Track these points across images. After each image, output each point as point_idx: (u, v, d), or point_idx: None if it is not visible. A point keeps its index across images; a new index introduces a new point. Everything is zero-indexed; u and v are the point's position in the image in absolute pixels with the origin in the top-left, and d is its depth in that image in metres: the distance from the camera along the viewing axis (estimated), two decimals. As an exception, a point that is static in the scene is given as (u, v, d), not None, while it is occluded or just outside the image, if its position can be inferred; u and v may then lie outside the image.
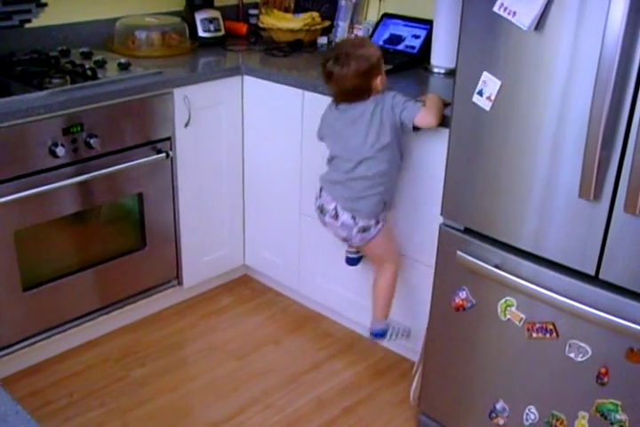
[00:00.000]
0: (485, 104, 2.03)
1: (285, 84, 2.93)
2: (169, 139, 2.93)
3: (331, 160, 2.59)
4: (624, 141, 1.79)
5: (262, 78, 3.02)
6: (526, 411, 2.23)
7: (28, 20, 3.07)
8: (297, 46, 3.35)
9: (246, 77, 3.08)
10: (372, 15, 3.36)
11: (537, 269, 2.06)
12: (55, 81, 2.68)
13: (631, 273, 1.88)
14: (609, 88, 1.73)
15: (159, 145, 2.90)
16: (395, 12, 3.23)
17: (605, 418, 2.02)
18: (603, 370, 1.99)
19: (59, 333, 2.88)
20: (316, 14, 3.43)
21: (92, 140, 2.65)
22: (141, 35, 3.21)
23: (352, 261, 2.88)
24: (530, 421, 2.22)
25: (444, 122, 2.40)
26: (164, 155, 2.88)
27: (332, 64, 2.41)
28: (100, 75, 2.79)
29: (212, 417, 2.68)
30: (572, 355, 2.05)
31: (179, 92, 2.89)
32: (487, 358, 2.30)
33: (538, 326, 2.10)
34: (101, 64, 2.90)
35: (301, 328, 3.22)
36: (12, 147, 2.48)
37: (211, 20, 3.38)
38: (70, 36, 3.20)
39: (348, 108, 2.48)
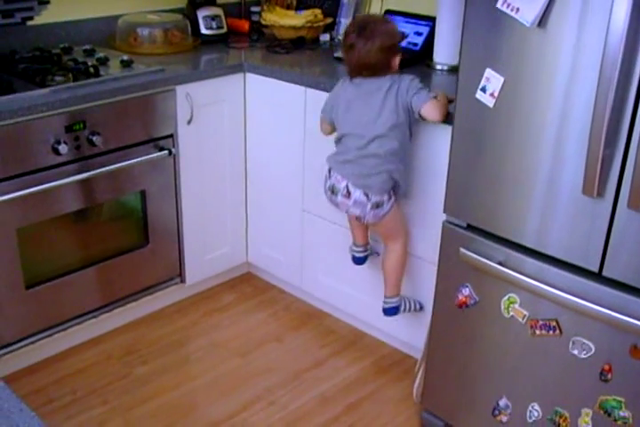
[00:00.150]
0: (488, 101, 2.03)
1: (288, 81, 2.93)
2: (171, 136, 2.93)
3: (339, 139, 2.56)
4: (627, 138, 1.78)
5: (265, 75, 3.01)
6: (529, 408, 2.22)
7: (31, 18, 3.07)
8: (299, 43, 3.34)
9: (249, 75, 3.08)
10: (375, 12, 3.35)
11: (540, 266, 2.06)
12: (57, 78, 2.67)
13: (635, 270, 1.88)
14: (612, 84, 1.73)
15: (162, 142, 2.90)
16: (397, 9, 3.23)
17: (609, 415, 2.02)
18: (606, 367, 1.99)
19: (61, 330, 2.88)
20: (318, 11, 3.43)
21: (94, 138, 2.65)
22: (144, 32, 3.21)
23: (359, 260, 2.87)
24: (533, 418, 2.22)
25: (447, 119, 2.39)
26: (166, 152, 2.88)
27: (355, 36, 2.40)
28: (102, 72, 2.79)
29: (214, 415, 2.68)
30: (575, 352, 2.04)
31: (181, 90, 2.89)
32: (490, 356, 2.30)
33: (541, 323, 2.09)
34: (104, 61, 2.90)
35: (304, 325, 3.22)
36: (14, 144, 2.48)
37: (213, 18, 3.38)
38: (72, 34, 3.20)
39: (363, 82, 2.46)
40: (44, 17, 3.10)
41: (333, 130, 2.63)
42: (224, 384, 2.83)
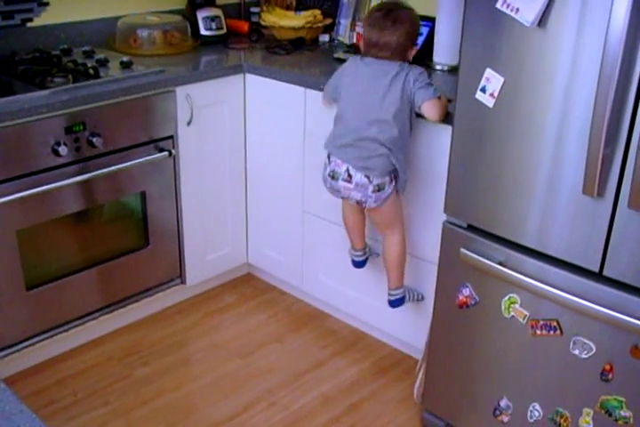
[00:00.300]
0: (488, 101, 2.03)
1: (287, 81, 2.93)
2: (171, 137, 2.93)
3: (339, 118, 2.54)
4: (627, 137, 1.79)
5: (264, 76, 3.01)
6: (530, 408, 2.22)
7: (30, 19, 3.07)
8: (299, 44, 3.34)
9: (248, 75, 3.08)
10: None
11: (541, 266, 2.06)
12: (57, 80, 2.67)
13: (635, 269, 1.88)
14: (612, 84, 1.73)
15: (162, 143, 2.90)
16: (397, 10, 3.22)
17: (610, 415, 2.02)
18: (607, 367, 1.99)
19: (62, 332, 2.88)
20: (317, 12, 3.43)
21: (94, 139, 2.65)
22: (143, 33, 3.21)
23: (359, 264, 2.87)
24: (534, 418, 2.22)
25: (446, 119, 2.39)
26: (166, 153, 2.88)
27: (381, 15, 2.41)
28: (102, 73, 2.79)
29: (215, 416, 2.68)
30: (576, 352, 2.04)
31: (181, 91, 2.89)
32: (491, 356, 2.29)
33: (542, 323, 2.09)
34: (103, 63, 2.90)
35: (305, 326, 3.22)
36: (14, 146, 2.48)
37: (212, 19, 3.38)
38: (72, 35, 3.20)
39: (373, 62, 2.45)
40: (43, 18, 3.10)
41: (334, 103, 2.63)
42: (225, 385, 2.83)
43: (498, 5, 1.90)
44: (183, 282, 3.26)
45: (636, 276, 1.89)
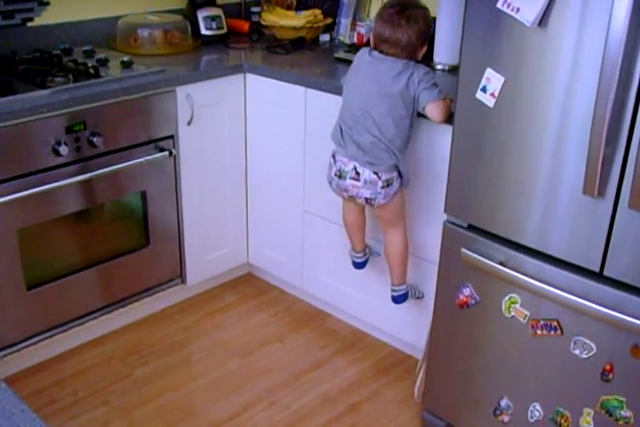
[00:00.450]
0: (489, 101, 2.03)
1: (288, 81, 2.93)
2: (172, 137, 2.93)
3: (342, 109, 2.53)
4: (628, 137, 1.78)
5: (265, 76, 3.01)
6: (531, 408, 2.22)
7: (31, 19, 3.07)
8: (299, 44, 3.34)
9: (249, 75, 3.08)
10: (375, 12, 3.34)
11: (541, 266, 2.06)
12: (58, 79, 2.67)
13: (636, 269, 1.88)
14: (613, 84, 1.73)
15: (162, 143, 2.90)
16: (397, 9, 3.22)
17: (610, 415, 2.02)
18: (607, 367, 1.99)
19: (62, 331, 2.89)
20: (318, 11, 3.43)
21: (94, 139, 2.65)
22: (144, 33, 3.21)
23: (359, 265, 2.87)
24: (534, 418, 2.22)
25: (449, 120, 2.39)
26: (166, 153, 2.88)
27: (395, 12, 2.39)
28: (102, 73, 2.79)
29: (216, 415, 2.68)
30: (576, 352, 2.04)
31: (181, 91, 2.89)
32: (491, 356, 2.29)
33: (542, 323, 2.09)
34: (104, 62, 2.90)
35: (305, 326, 3.22)
36: (15, 146, 2.48)
37: (213, 18, 3.38)
38: (73, 35, 3.20)
39: (381, 58, 2.43)
40: (44, 18, 3.10)
41: None
42: (225, 385, 2.83)
43: (498, 5, 1.90)
44: (183, 282, 3.26)
45: (637, 276, 1.89)
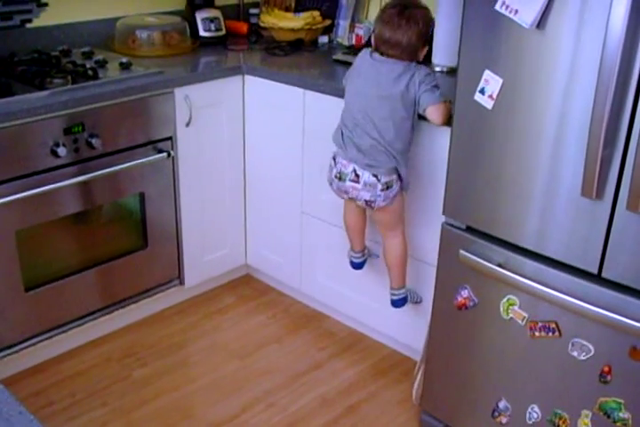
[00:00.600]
0: (487, 102, 2.03)
1: (286, 83, 2.93)
2: (170, 138, 2.93)
3: (343, 111, 2.53)
4: (626, 139, 1.79)
5: (263, 77, 3.01)
6: (529, 410, 2.22)
7: (29, 20, 3.07)
8: (298, 45, 3.34)
9: (247, 77, 3.08)
10: (374, 14, 3.35)
11: (539, 268, 2.06)
12: (56, 81, 2.67)
13: (634, 271, 1.88)
14: (611, 86, 1.73)
15: (160, 145, 2.90)
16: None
17: (608, 416, 2.02)
18: (606, 368, 1.99)
19: (61, 333, 2.88)
20: (316, 13, 3.43)
21: (93, 140, 2.65)
22: (142, 34, 3.21)
23: (357, 266, 2.87)
24: (533, 419, 2.22)
25: (449, 122, 2.40)
26: (165, 154, 2.88)
27: (395, 13, 2.37)
28: (101, 74, 2.79)
29: (214, 417, 2.68)
30: (574, 353, 2.04)
31: (180, 92, 2.89)
32: (490, 357, 2.29)
33: (540, 324, 2.10)
34: (102, 64, 2.90)
35: (303, 327, 3.22)
36: (13, 147, 2.48)
37: (211, 20, 3.38)
38: (71, 36, 3.20)
39: (382, 60, 2.42)
40: (42, 19, 3.10)
41: None
42: (223, 386, 2.83)
43: (497, 7, 1.90)
44: (182, 283, 3.25)
45: (635, 278, 1.89)
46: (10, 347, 2.74)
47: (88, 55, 3.03)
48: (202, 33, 3.37)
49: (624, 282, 1.91)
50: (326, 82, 2.79)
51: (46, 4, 3.08)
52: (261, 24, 3.47)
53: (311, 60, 3.22)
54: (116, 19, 3.26)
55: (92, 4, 3.26)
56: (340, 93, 2.60)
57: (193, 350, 3.05)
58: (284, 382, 2.87)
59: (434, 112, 2.39)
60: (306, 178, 3.02)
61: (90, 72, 2.79)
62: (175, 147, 2.95)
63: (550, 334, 2.08)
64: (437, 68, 2.94)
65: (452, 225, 2.29)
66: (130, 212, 3.00)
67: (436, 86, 2.40)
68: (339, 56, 3.11)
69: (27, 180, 2.55)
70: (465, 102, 2.09)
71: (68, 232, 2.80)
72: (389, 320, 2.94)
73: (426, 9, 2.44)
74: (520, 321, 2.14)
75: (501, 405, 2.30)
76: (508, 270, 2.11)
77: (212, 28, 3.38)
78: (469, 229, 2.24)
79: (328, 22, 3.44)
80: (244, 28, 3.57)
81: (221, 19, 3.42)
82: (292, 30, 3.36)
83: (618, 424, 2.01)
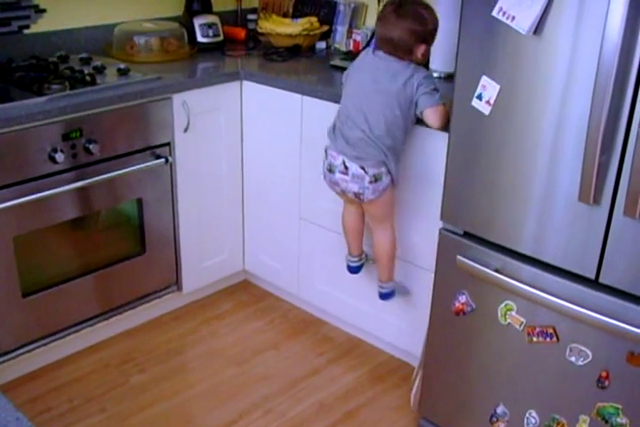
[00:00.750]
0: (485, 108, 2.03)
1: (284, 88, 2.93)
2: (168, 144, 2.93)
3: (340, 108, 2.55)
4: (623, 145, 1.79)
5: (261, 83, 3.02)
6: (527, 415, 2.22)
7: (27, 26, 3.07)
8: (295, 51, 3.35)
9: (245, 82, 3.09)
10: (371, 20, 3.36)
11: (537, 273, 2.07)
12: (54, 87, 2.67)
13: (631, 277, 1.89)
14: (608, 92, 1.73)
15: (158, 150, 2.90)
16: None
17: (606, 422, 2.02)
18: (603, 374, 1.99)
19: (58, 339, 2.88)
20: (314, 19, 3.44)
21: (91, 146, 2.65)
22: (140, 40, 3.21)
23: (354, 270, 2.87)
24: (531, 425, 2.22)
25: (446, 127, 2.41)
26: (163, 160, 2.88)
27: (391, 10, 2.39)
28: (99, 80, 2.79)
29: (212, 423, 2.67)
30: (572, 359, 2.04)
31: (178, 98, 2.89)
32: (487, 363, 2.29)
33: (538, 329, 2.10)
34: (100, 70, 2.90)
35: (301, 333, 3.21)
36: (11, 153, 2.48)
37: (209, 26, 3.38)
38: (69, 42, 3.20)
39: (382, 57, 2.44)
40: (40, 25, 3.10)
41: None
42: (221, 392, 2.83)
43: (494, 13, 1.91)
44: (180, 289, 3.25)
45: (632, 283, 1.89)
46: (7, 353, 2.74)
47: (86, 61, 3.03)
48: (200, 39, 3.38)
49: (621, 287, 1.92)
50: (324, 88, 2.80)
51: (44, 11, 3.08)
52: (259, 30, 3.47)
53: (309, 65, 3.23)
54: (114, 25, 3.27)
55: (90, 10, 3.26)
56: (337, 99, 2.60)
57: (191, 355, 3.05)
58: (281, 387, 2.86)
59: (431, 115, 2.40)
60: (304, 184, 3.02)
61: (88, 78, 2.79)
62: (173, 153, 2.96)
63: (548, 339, 2.08)
64: (435, 74, 2.94)
65: (449, 230, 2.29)
66: (128, 217, 3.00)
67: (436, 89, 2.41)
68: (336, 62, 3.11)
69: (24, 186, 2.55)
70: (462, 108, 2.10)
71: (66, 238, 2.80)
72: (387, 326, 2.94)
73: (425, 7, 2.42)
74: (518, 326, 2.15)
75: (499, 410, 2.30)
76: (506, 276, 2.11)
77: (210, 33, 3.39)
78: (467, 235, 2.24)
79: (326, 28, 3.45)
80: (241, 33, 3.58)
81: (219, 24, 3.42)
82: (290, 36, 3.37)
83: (616, 430, 2.01)
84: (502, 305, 2.17)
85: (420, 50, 2.43)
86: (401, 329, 2.89)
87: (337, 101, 2.61)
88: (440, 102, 2.39)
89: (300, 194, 3.06)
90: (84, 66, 2.97)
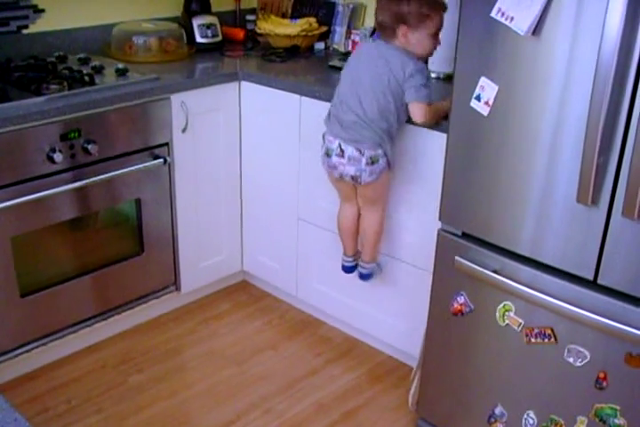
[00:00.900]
0: (483, 109, 2.03)
1: (283, 89, 2.93)
2: (166, 144, 2.93)
3: (336, 92, 2.59)
4: (622, 146, 1.79)
5: (260, 84, 3.02)
6: (525, 416, 2.22)
7: (26, 26, 3.07)
8: (294, 52, 3.35)
9: (244, 83, 3.08)
10: (370, 21, 3.36)
11: (535, 274, 2.07)
12: (53, 87, 2.67)
13: (629, 278, 1.89)
14: (606, 93, 1.73)
15: (157, 151, 2.89)
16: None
17: (604, 423, 2.02)
18: (601, 375, 1.99)
19: (56, 339, 2.88)
20: (312, 20, 3.44)
21: (89, 146, 2.65)
22: (139, 40, 3.21)
23: (348, 269, 2.87)
24: (529, 426, 2.22)
25: (436, 126, 2.42)
26: (161, 160, 2.88)
27: None
28: (97, 80, 2.79)
29: (210, 423, 2.67)
30: (570, 360, 2.05)
31: (176, 98, 2.89)
32: (486, 363, 2.29)
33: (536, 330, 2.10)
34: (99, 70, 2.90)
35: (300, 333, 3.21)
36: (9, 153, 2.48)
37: (208, 26, 3.38)
38: (67, 42, 3.20)
39: (379, 43, 2.51)
40: (39, 25, 3.10)
41: None
42: (219, 393, 2.83)
43: (492, 14, 1.91)
44: (178, 289, 3.25)
45: (631, 284, 1.89)
46: (5, 353, 2.73)
47: (84, 61, 3.03)
48: (198, 39, 3.37)
49: (620, 288, 1.92)
50: (322, 88, 2.79)
51: (43, 11, 3.08)
52: (258, 30, 3.47)
53: (307, 66, 3.23)
54: (113, 25, 3.27)
55: (89, 11, 3.26)
56: (336, 100, 2.60)
57: (189, 356, 3.05)
58: (280, 388, 2.86)
59: (415, 110, 2.43)
60: (302, 184, 3.02)
61: (86, 78, 2.79)
62: (171, 153, 2.95)
63: (546, 340, 2.08)
64: (433, 75, 2.94)
65: (447, 231, 2.29)
66: (126, 218, 3.00)
67: (426, 85, 2.42)
68: (335, 62, 3.11)
69: (22, 186, 2.54)
70: (461, 109, 2.10)
71: (64, 238, 2.80)
72: (385, 326, 2.94)
73: None
74: (516, 327, 2.15)
75: (497, 411, 2.30)
76: (504, 277, 2.11)
77: (209, 34, 3.39)
78: (465, 236, 2.24)
79: (324, 29, 3.45)
80: (240, 34, 3.58)
81: (218, 25, 3.42)
82: (289, 37, 3.37)
83: (614, 431, 2.01)
84: (501, 306, 2.17)
85: (402, 31, 2.43)
86: (399, 330, 2.89)
87: (335, 102, 2.61)
88: (426, 101, 2.41)
89: (299, 194, 3.06)
90: (82, 66, 2.97)
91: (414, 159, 2.59)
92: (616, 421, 1.99)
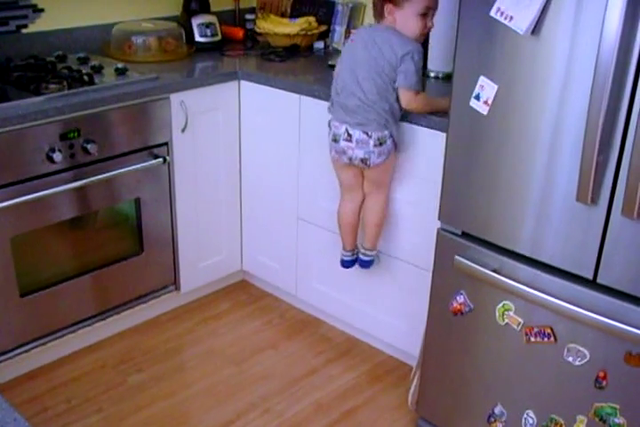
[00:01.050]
0: (482, 108, 2.03)
1: (282, 88, 2.93)
2: (166, 144, 2.93)
3: (335, 76, 2.62)
4: (621, 145, 1.79)
5: (259, 83, 3.02)
6: (525, 415, 2.22)
7: (25, 26, 3.07)
8: (293, 51, 3.35)
9: (243, 82, 3.08)
10: (369, 20, 3.36)
11: (535, 274, 2.07)
12: (52, 86, 2.67)
13: (629, 277, 1.89)
14: (606, 92, 1.73)
15: (156, 150, 2.89)
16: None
17: (604, 422, 2.02)
18: (601, 374, 1.99)
19: (56, 338, 2.88)
20: (312, 19, 3.43)
21: (89, 146, 2.65)
22: (138, 40, 3.21)
23: (347, 264, 2.87)
24: (528, 425, 2.22)
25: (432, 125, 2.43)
26: (161, 160, 2.88)
27: None
28: (96, 80, 2.79)
29: (209, 423, 2.67)
30: (570, 359, 2.05)
31: (175, 98, 2.89)
32: (485, 363, 2.29)
33: (536, 330, 2.10)
34: (98, 69, 2.90)
35: (299, 333, 3.21)
36: (8, 152, 2.48)
37: (207, 25, 3.38)
38: (67, 42, 3.20)
39: (377, 27, 2.55)
40: (38, 25, 3.10)
41: None
42: (219, 392, 2.83)
43: (492, 13, 1.91)
44: (177, 289, 3.25)
45: (630, 283, 1.89)
46: (5, 353, 2.74)
47: (84, 61, 3.03)
48: (198, 38, 3.37)
49: (619, 287, 1.92)
50: (322, 87, 2.79)
51: (42, 10, 3.08)
52: (257, 30, 3.47)
53: (307, 65, 3.23)
54: (112, 24, 3.27)
55: (88, 10, 3.26)
56: (335, 99, 2.60)
57: (188, 355, 3.05)
58: (279, 387, 2.86)
59: (402, 96, 2.48)
60: (302, 183, 3.02)
61: (86, 78, 2.79)
62: (171, 152, 2.95)
63: (546, 339, 2.08)
64: (432, 74, 2.94)
65: (447, 231, 2.29)
66: (125, 217, 3.00)
67: (416, 72, 2.45)
68: (334, 62, 3.10)
69: (22, 185, 2.54)
70: (460, 108, 2.10)
71: (64, 238, 2.80)
72: (385, 326, 2.94)
73: None
74: (515, 326, 2.15)
75: (497, 410, 2.30)
76: (504, 276, 2.11)
77: (208, 33, 3.39)
78: (465, 235, 2.24)
79: (324, 28, 3.45)
80: (239, 33, 3.58)
81: (217, 24, 3.42)
82: (288, 36, 3.37)
83: (613, 430, 2.01)
84: (500, 305, 2.17)
85: (388, 9, 2.50)
86: (399, 329, 2.89)
87: (335, 101, 2.61)
88: (414, 89, 2.46)
89: (298, 194, 3.06)
90: (81, 65, 2.97)
91: (414, 159, 2.59)
92: (616, 420, 1.99)
